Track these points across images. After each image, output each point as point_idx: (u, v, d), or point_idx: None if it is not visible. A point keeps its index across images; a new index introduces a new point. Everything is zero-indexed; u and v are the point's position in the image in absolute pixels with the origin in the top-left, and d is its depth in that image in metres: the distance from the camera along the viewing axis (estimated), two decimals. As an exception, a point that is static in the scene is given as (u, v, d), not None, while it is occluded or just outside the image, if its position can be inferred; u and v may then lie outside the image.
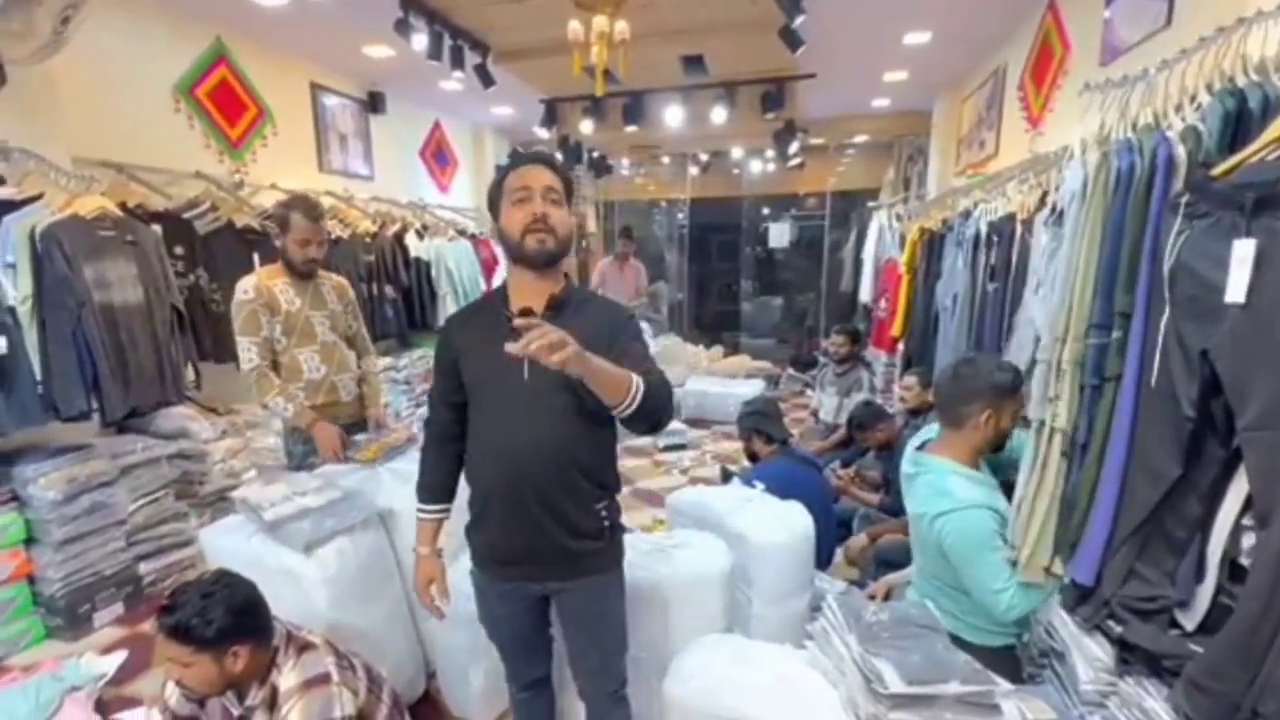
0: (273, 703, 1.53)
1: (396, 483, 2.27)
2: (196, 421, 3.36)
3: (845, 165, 8.84)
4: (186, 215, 3.45)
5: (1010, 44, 4.22)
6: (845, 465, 3.84)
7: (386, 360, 4.73)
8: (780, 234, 9.76)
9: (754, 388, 6.12)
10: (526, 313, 1.42)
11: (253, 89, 4.26)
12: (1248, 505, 1.19)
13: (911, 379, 3.42)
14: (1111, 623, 1.39)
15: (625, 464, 4.76)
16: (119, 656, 2.48)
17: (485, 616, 1.64)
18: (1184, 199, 1.26)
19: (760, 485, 2.42)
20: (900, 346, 4.37)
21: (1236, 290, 1.12)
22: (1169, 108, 1.58)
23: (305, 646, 1.59)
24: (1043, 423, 1.59)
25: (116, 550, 2.87)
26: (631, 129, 5.49)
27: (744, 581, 2.10)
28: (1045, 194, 2.39)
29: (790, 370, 7.75)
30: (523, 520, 1.44)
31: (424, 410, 1.87)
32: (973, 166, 4.91)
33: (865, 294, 5.91)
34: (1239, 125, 1.35)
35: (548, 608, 1.61)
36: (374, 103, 5.40)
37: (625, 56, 3.40)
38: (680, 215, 9.90)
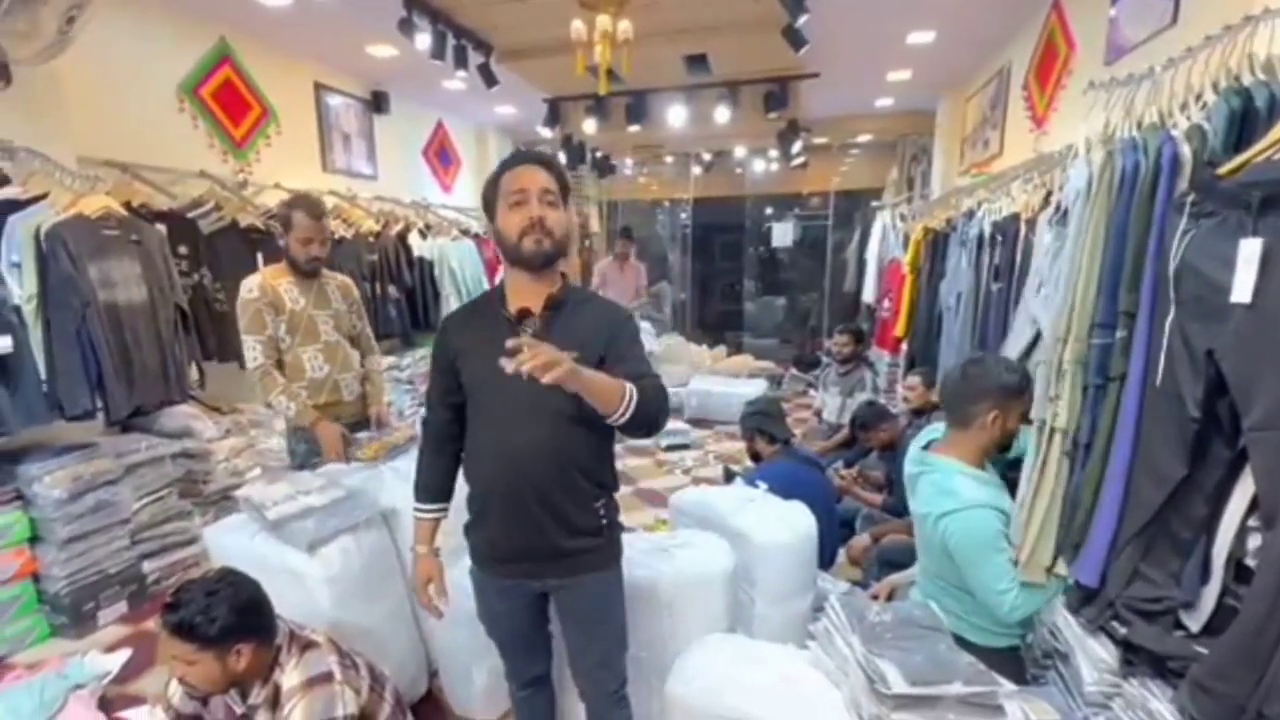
0: (275, 701, 1.53)
1: (399, 482, 2.27)
2: (200, 420, 3.36)
3: (849, 165, 8.83)
4: (190, 215, 3.46)
5: (1014, 43, 4.21)
6: (848, 465, 3.84)
7: (390, 360, 4.73)
8: (783, 234, 9.75)
9: (757, 388, 6.11)
10: (524, 313, 1.43)
11: (257, 89, 4.27)
12: (1253, 506, 1.18)
13: (915, 379, 3.41)
14: (1116, 624, 1.38)
15: (628, 463, 4.76)
16: (123, 655, 2.49)
17: (484, 614, 1.64)
18: (1190, 198, 1.26)
19: (763, 485, 2.41)
20: (903, 346, 4.36)
21: (1242, 290, 1.12)
22: (1174, 106, 1.58)
23: (308, 645, 1.60)
24: (1044, 422, 1.59)
25: (121, 549, 2.87)
26: (635, 128, 5.49)
27: (747, 581, 2.10)
28: (1049, 193, 2.39)
29: (793, 370, 7.74)
30: (522, 519, 1.44)
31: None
32: (977, 166, 4.89)
33: (868, 294, 5.90)
34: (1245, 124, 1.34)
35: (547, 605, 1.62)
36: (377, 102, 5.41)
37: (628, 56, 3.40)
38: (683, 215, 9.90)
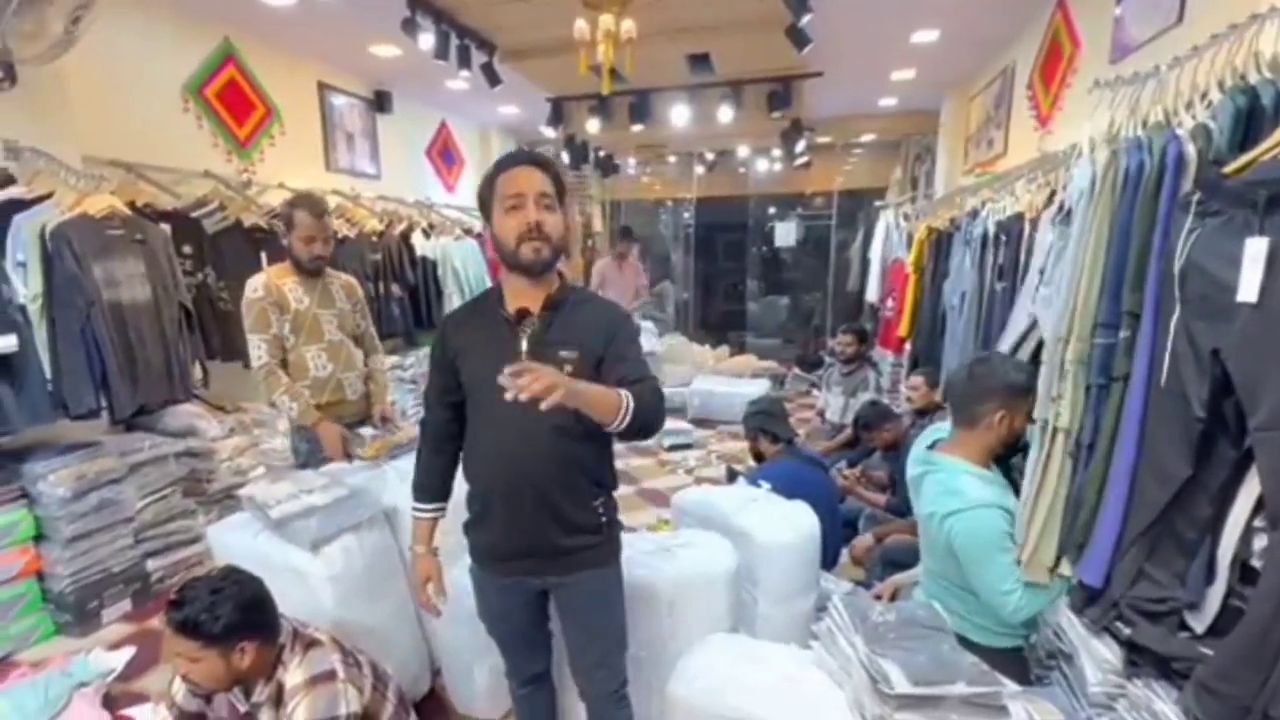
0: (279, 699, 1.53)
1: (402, 481, 2.27)
2: (204, 419, 3.37)
3: (852, 164, 8.81)
4: (195, 214, 3.47)
5: (1019, 42, 4.20)
6: (851, 465, 3.83)
7: (393, 359, 4.74)
8: (786, 233, 9.74)
9: (759, 387, 6.11)
10: (523, 313, 1.44)
11: (261, 88, 4.28)
12: (1259, 506, 1.17)
13: (918, 379, 3.40)
14: (1120, 624, 1.38)
15: (630, 463, 4.76)
16: (127, 652, 2.49)
17: (484, 612, 1.65)
18: (1195, 197, 1.25)
19: (766, 485, 2.41)
20: (907, 346, 4.35)
21: (1249, 289, 1.11)
22: (1179, 105, 1.57)
23: (311, 643, 1.60)
24: (1046, 422, 1.58)
25: (125, 547, 2.89)
26: (638, 128, 5.48)
27: (749, 581, 2.10)
28: (1053, 193, 2.38)
29: (796, 370, 7.74)
30: (522, 518, 1.45)
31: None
32: (981, 165, 4.88)
33: (872, 294, 5.89)
34: (1250, 123, 1.34)
35: (546, 603, 1.62)
36: (381, 102, 5.41)
37: (631, 55, 3.40)
38: (686, 214, 9.89)
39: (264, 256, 3.54)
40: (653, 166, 9.57)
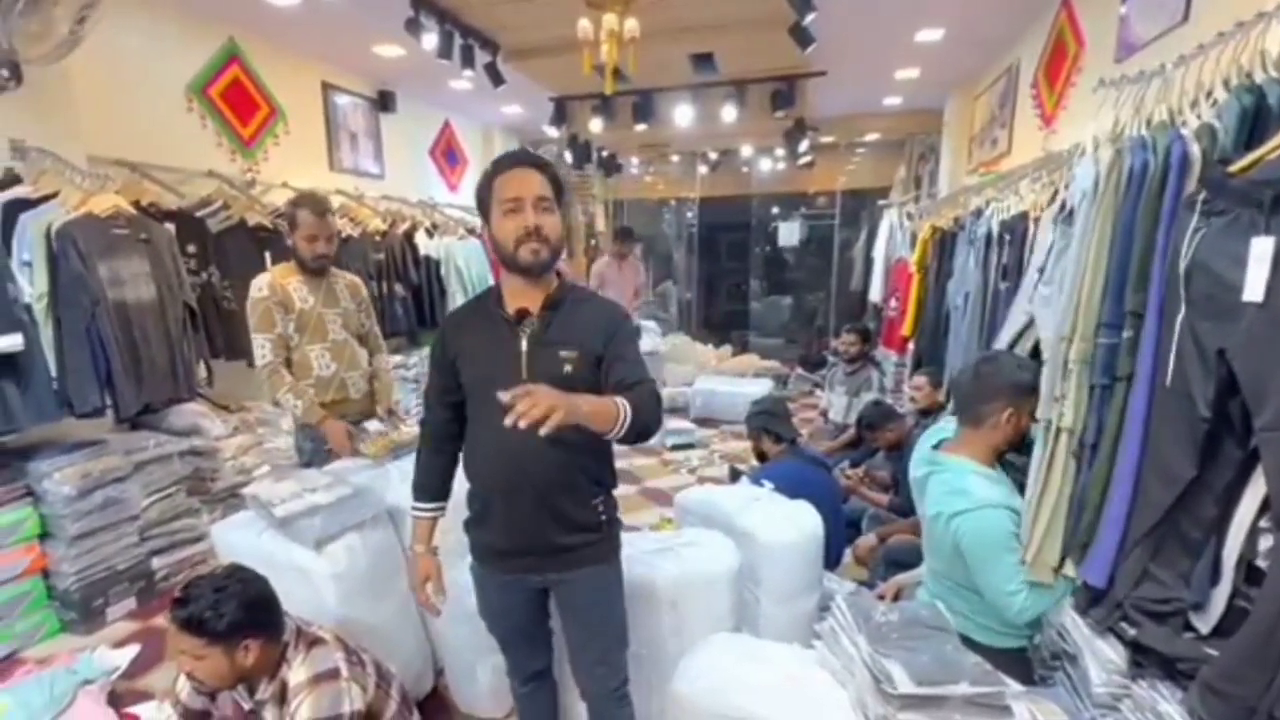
0: (283, 697, 1.54)
1: (405, 480, 2.26)
2: (208, 418, 3.38)
3: (856, 164, 8.80)
4: (199, 214, 3.48)
5: (1023, 41, 4.19)
6: (854, 465, 3.82)
7: (397, 358, 4.75)
8: (790, 233, 9.73)
9: (762, 387, 6.11)
10: (523, 314, 1.44)
11: (265, 88, 4.29)
12: (1265, 507, 1.17)
13: (922, 378, 3.40)
14: (1125, 625, 1.37)
15: (633, 463, 4.76)
16: (131, 650, 2.50)
17: (485, 609, 1.65)
18: (1201, 196, 1.25)
19: (769, 484, 2.41)
20: (910, 346, 4.34)
21: (1255, 289, 1.11)
22: (1184, 104, 1.56)
23: (315, 642, 1.61)
24: (1049, 422, 1.58)
25: (129, 545, 2.90)
26: (641, 127, 5.48)
27: (752, 581, 2.09)
28: (1057, 192, 2.38)
29: (799, 370, 7.74)
30: (522, 517, 1.46)
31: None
32: (985, 165, 4.87)
33: (875, 293, 5.88)
34: (1257, 122, 1.33)
35: (547, 600, 1.62)
36: (384, 102, 5.42)
37: (635, 55, 3.40)
38: (689, 214, 9.89)
39: (268, 256, 3.55)
40: (656, 166, 9.56)
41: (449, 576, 1.68)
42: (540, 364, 1.42)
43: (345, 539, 2.03)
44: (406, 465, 2.36)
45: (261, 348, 2.37)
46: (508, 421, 1.12)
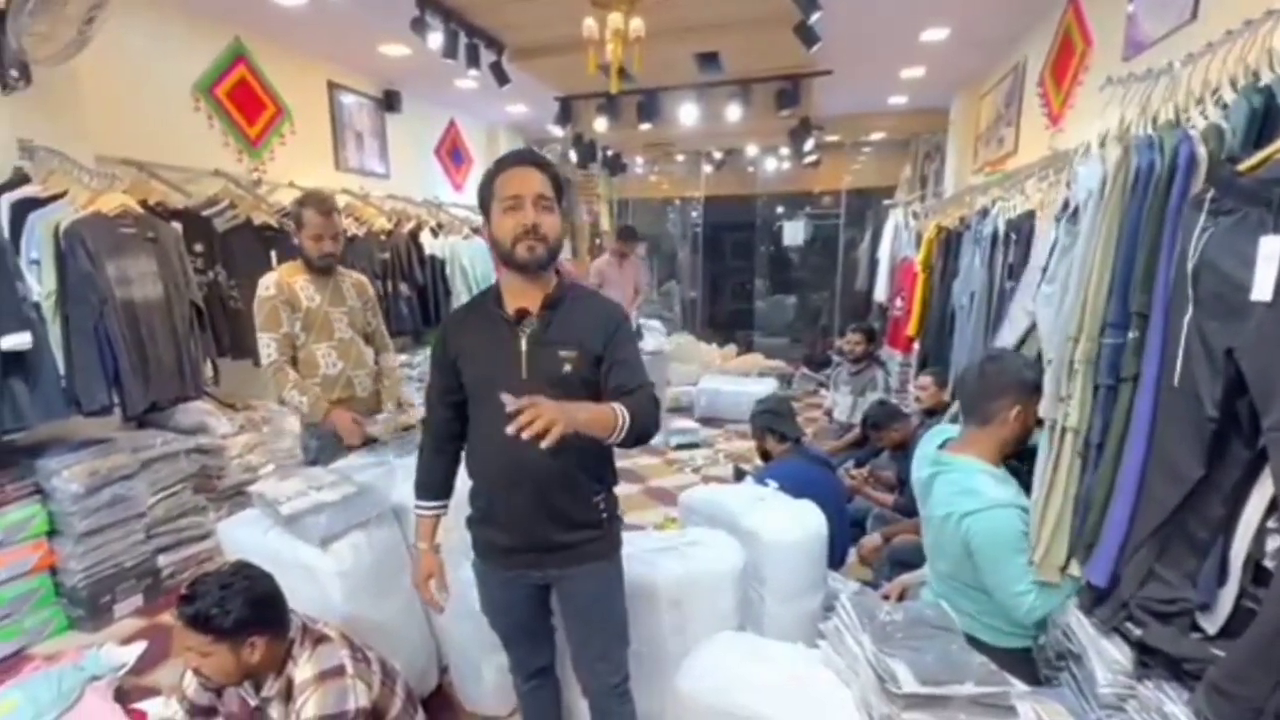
0: (288, 694, 1.55)
1: (409, 479, 2.28)
2: (214, 417, 3.40)
3: (861, 163, 8.78)
4: (206, 213, 3.50)
5: (1030, 39, 4.17)
6: (859, 465, 3.82)
7: (402, 357, 4.75)
8: (795, 232, 9.72)
9: (767, 386, 6.10)
10: (522, 314, 1.45)
11: (271, 88, 4.31)
12: (1272, 507, 1.16)
13: (927, 378, 3.39)
14: (1130, 625, 1.37)
15: (637, 462, 4.77)
16: (138, 647, 2.52)
17: (487, 606, 1.66)
18: (1209, 195, 1.24)
19: (773, 484, 2.41)
20: (915, 346, 4.33)
21: (1263, 288, 1.10)
22: (1190, 103, 1.56)
23: (321, 639, 1.61)
24: (1055, 422, 1.57)
25: (136, 543, 2.91)
26: (646, 127, 5.48)
27: (756, 580, 2.09)
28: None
29: (804, 369, 7.72)
30: (523, 514, 1.47)
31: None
32: (991, 164, 4.85)
33: (880, 293, 5.87)
34: (1265, 122, 1.32)
35: (549, 597, 1.63)
36: (390, 101, 5.43)
37: (640, 54, 3.40)
38: (694, 213, 9.89)
39: (273, 255, 3.56)
40: (660, 165, 9.56)
41: (452, 574, 1.69)
42: (540, 363, 1.43)
43: (351, 537, 2.04)
44: (411, 463, 2.37)
45: (267, 346, 2.38)
46: (510, 430, 1.15)
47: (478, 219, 5.95)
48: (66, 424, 2.75)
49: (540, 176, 1.43)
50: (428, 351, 5.06)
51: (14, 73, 2.62)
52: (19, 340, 2.42)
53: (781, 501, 2.27)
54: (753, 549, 2.06)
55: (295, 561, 1.94)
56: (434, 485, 1.64)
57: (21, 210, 2.63)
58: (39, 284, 2.61)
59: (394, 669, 1.78)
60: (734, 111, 5.21)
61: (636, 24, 3.29)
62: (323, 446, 2.51)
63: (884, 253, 5.90)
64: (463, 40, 3.97)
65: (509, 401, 1.17)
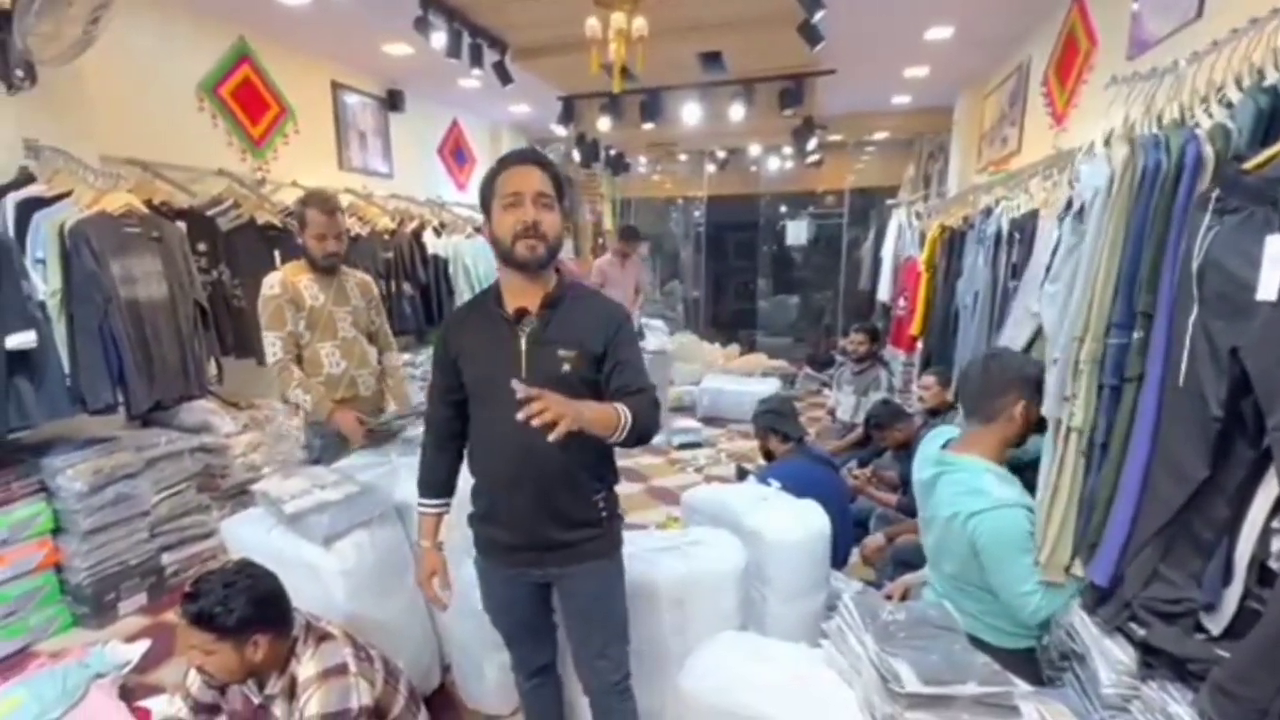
0: (292, 691, 1.55)
1: (412, 478, 2.28)
2: (218, 416, 3.41)
3: (864, 162, 8.77)
4: (210, 212, 3.51)
5: (1034, 39, 4.16)
6: (862, 465, 3.81)
7: (405, 356, 4.76)
8: (798, 232, 9.71)
9: (770, 386, 6.10)
10: (522, 313, 1.46)
11: (275, 88, 4.32)
12: (1277, 507, 1.16)
13: (930, 378, 3.38)
14: (1134, 625, 1.36)
15: (640, 461, 4.77)
16: (143, 645, 2.53)
17: (489, 603, 1.67)
18: (1214, 194, 1.24)
19: (776, 483, 2.41)
20: (919, 345, 4.32)
21: (1269, 287, 1.10)
22: (1195, 103, 1.55)
23: (324, 637, 1.62)
24: (1059, 422, 1.57)
25: (141, 541, 2.92)
26: (649, 126, 5.47)
27: (759, 579, 2.09)
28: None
29: (807, 369, 7.72)
30: (524, 513, 1.48)
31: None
32: (994, 164, 4.84)
33: (884, 292, 5.86)
34: (1272, 122, 1.32)
35: (550, 594, 1.64)
36: (393, 101, 5.44)
37: (643, 53, 3.40)
38: (697, 213, 9.88)
39: (277, 254, 3.56)
40: (663, 165, 9.56)
41: (455, 573, 1.69)
42: (539, 363, 1.43)
43: (354, 536, 2.05)
44: (413, 462, 2.38)
45: (272, 345, 2.38)
46: (520, 416, 1.15)
47: (480, 218, 5.99)
48: (71, 422, 2.77)
49: (540, 175, 1.43)
50: (430, 351, 5.10)
51: (19, 73, 2.63)
52: (24, 339, 2.43)
53: (784, 501, 2.26)
54: (755, 549, 2.06)
55: (298, 560, 1.95)
56: (436, 483, 1.65)
57: (27, 210, 2.64)
58: (44, 283, 2.62)
59: (397, 667, 1.79)
60: (737, 111, 5.20)
61: (639, 23, 3.29)
62: (326, 445, 2.51)
63: (887, 252, 5.89)
64: (466, 40, 3.98)
65: (519, 388, 1.18)
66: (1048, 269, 1.80)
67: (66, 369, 2.65)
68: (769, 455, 2.92)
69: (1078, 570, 1.54)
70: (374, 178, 5.26)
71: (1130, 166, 1.43)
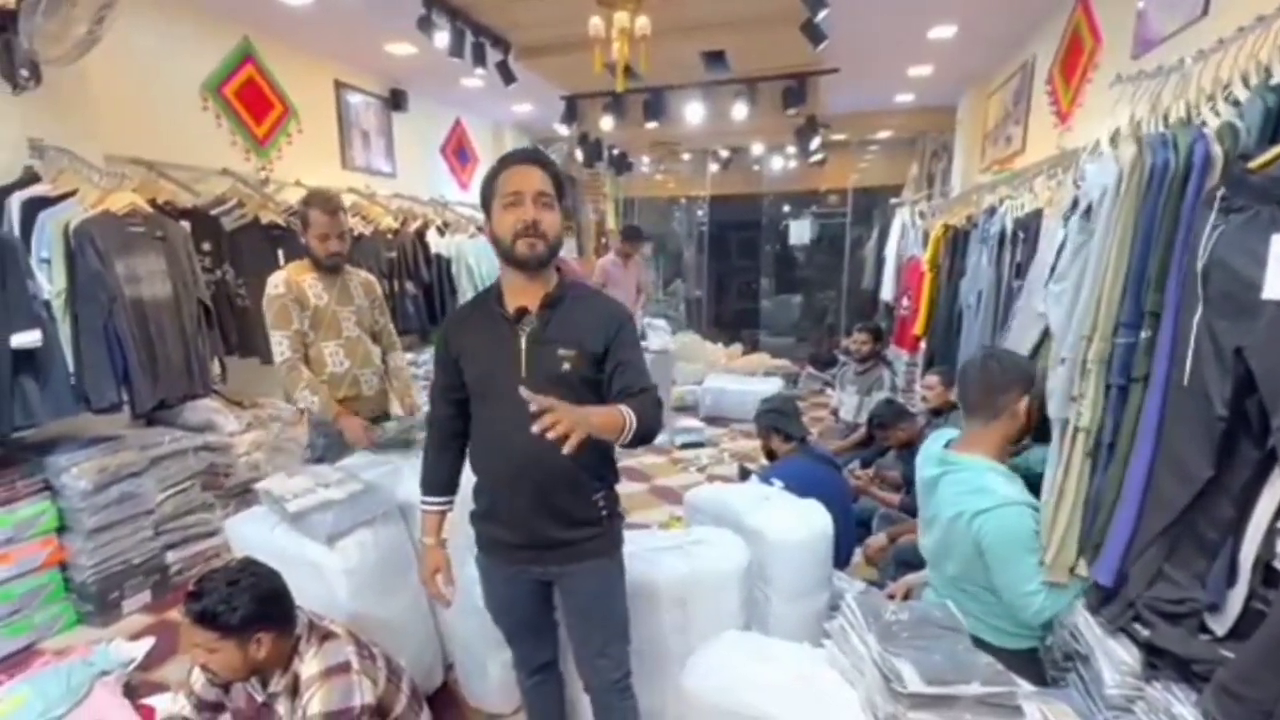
0: (295, 689, 1.55)
1: (416, 477, 2.29)
2: (222, 414, 3.42)
3: (868, 162, 8.75)
4: (213, 212, 3.51)
5: (1038, 37, 4.14)
6: (865, 465, 3.81)
7: (408, 355, 4.76)
8: (801, 231, 9.69)
9: (772, 386, 6.09)
10: (522, 312, 1.45)
11: (278, 87, 4.33)
12: (1283, 507, 1.15)
13: (934, 378, 3.37)
14: (1138, 626, 1.36)
15: (643, 461, 4.76)
16: (147, 643, 2.54)
17: (490, 601, 1.67)
18: (1220, 192, 1.23)
19: (778, 483, 2.41)
20: (922, 345, 4.31)
21: (1274, 286, 1.09)
22: (1202, 101, 1.54)
23: (327, 635, 1.62)
24: (1066, 422, 1.56)
25: (145, 539, 2.93)
26: (652, 125, 5.47)
27: (762, 579, 2.09)
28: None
29: (809, 369, 7.70)
30: (524, 512, 1.48)
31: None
32: (998, 163, 4.82)
33: (887, 292, 5.85)
34: (1280, 122, 1.31)
35: (551, 592, 1.64)
36: (396, 100, 5.45)
37: (646, 52, 3.40)
38: (700, 212, 9.87)
39: (281, 254, 3.58)
40: (667, 164, 9.55)
41: (457, 571, 1.69)
42: (538, 362, 1.44)
43: (357, 534, 2.05)
44: (416, 462, 2.38)
45: (279, 344, 2.38)
46: (535, 429, 1.15)
47: (483, 218, 6.01)
48: (76, 421, 2.77)
49: (541, 174, 1.44)
50: (433, 350, 5.10)
51: (24, 72, 2.64)
52: (29, 338, 2.44)
53: (787, 501, 2.26)
54: (758, 548, 2.05)
55: (302, 558, 1.95)
56: (439, 481, 1.66)
57: (32, 209, 2.64)
58: (49, 282, 2.63)
59: (399, 666, 1.79)
60: (740, 110, 5.20)
61: (643, 22, 3.29)
62: (330, 444, 2.52)
63: (890, 251, 5.88)
64: (469, 39, 3.98)
65: (528, 397, 1.18)
66: (1052, 269, 1.79)
67: (71, 368, 2.66)
68: (771, 455, 2.92)
69: (1082, 570, 1.54)
70: (377, 177, 5.27)
71: (1138, 165, 1.43)
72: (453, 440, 1.62)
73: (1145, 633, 1.33)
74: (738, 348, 8.12)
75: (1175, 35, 2.50)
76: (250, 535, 2.09)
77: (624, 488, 1.62)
